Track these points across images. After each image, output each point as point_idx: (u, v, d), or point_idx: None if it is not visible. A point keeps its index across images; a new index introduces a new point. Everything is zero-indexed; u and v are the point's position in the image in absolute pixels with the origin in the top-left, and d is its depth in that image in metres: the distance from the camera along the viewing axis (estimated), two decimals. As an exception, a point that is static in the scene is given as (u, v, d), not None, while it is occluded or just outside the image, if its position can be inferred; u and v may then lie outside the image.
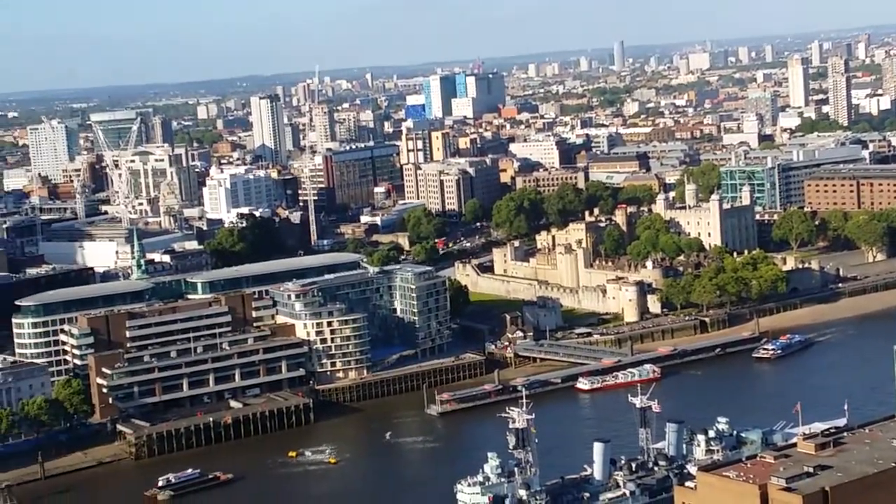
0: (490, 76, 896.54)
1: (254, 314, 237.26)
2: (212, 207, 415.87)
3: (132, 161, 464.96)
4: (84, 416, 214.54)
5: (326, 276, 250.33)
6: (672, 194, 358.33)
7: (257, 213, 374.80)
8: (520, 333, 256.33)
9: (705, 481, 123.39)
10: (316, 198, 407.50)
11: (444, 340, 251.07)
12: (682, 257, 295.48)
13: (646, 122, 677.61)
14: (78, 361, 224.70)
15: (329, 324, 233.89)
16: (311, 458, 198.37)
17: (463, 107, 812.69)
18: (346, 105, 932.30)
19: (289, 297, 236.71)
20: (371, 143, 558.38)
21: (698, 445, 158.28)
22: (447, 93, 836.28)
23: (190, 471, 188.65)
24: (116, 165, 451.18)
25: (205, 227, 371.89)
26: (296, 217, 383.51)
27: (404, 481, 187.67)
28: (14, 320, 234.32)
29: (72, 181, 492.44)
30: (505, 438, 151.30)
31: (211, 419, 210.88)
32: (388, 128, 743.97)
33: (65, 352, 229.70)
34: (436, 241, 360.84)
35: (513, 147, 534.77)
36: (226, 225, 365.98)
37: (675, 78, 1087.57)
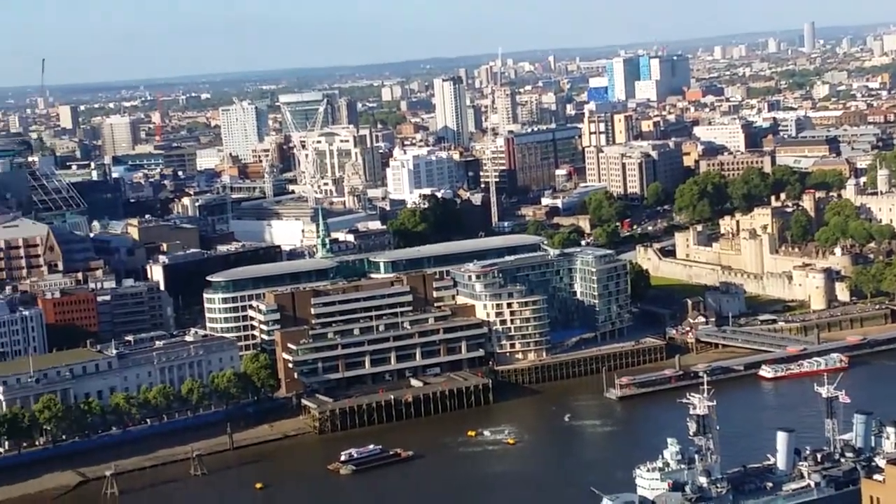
0: (674, 58, 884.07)
1: (434, 294, 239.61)
2: (395, 188, 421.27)
3: (318, 142, 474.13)
4: (270, 389, 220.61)
5: (507, 258, 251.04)
6: (863, 180, 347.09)
7: (439, 195, 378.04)
8: (701, 319, 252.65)
9: (895, 474, 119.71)
10: (497, 180, 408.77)
11: (624, 324, 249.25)
12: (872, 244, 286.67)
13: (836, 105, 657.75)
14: (265, 337, 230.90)
15: (509, 305, 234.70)
16: (490, 438, 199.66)
17: (646, 89, 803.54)
18: (528, 87, 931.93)
19: (469, 277, 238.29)
20: (553, 126, 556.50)
21: (887, 438, 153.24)
22: (631, 75, 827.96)
23: (371, 447, 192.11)
24: (303, 146, 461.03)
25: (388, 208, 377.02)
26: (477, 198, 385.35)
27: (582, 464, 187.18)
28: (205, 295, 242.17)
29: (261, 161, 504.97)
30: (685, 424, 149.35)
31: (392, 397, 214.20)
32: (570, 110, 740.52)
33: (253, 327, 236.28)
34: (619, 223, 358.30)
35: (697, 130, 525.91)
36: (408, 205, 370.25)
37: (868, 60, 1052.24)
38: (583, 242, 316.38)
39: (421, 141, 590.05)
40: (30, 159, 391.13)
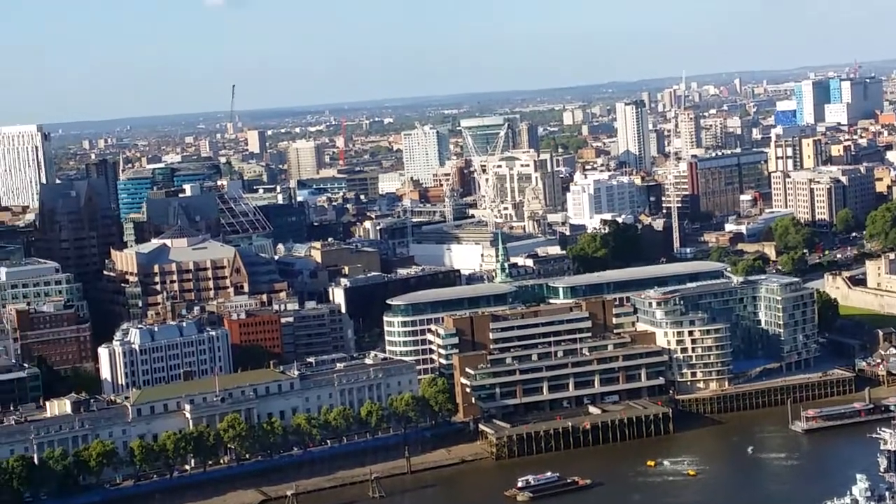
0: (867, 81, 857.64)
1: (614, 320, 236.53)
2: (575, 213, 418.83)
3: (499, 166, 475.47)
4: (448, 414, 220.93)
5: (689, 285, 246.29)
6: None
7: (620, 220, 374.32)
8: (894, 350, 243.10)
9: None
10: (679, 205, 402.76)
11: (811, 355, 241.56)
12: None
13: None
14: (443, 361, 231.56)
15: (690, 333, 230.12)
16: (670, 469, 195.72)
17: (836, 113, 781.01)
18: (712, 111, 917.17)
19: (650, 304, 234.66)
20: (738, 150, 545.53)
21: None
22: (820, 98, 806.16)
23: (549, 474, 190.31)
24: (484, 170, 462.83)
25: (568, 232, 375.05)
26: (658, 224, 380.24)
27: (766, 498, 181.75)
28: (385, 318, 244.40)
29: (441, 185, 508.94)
30: (875, 460, 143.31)
31: (570, 424, 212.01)
32: (756, 134, 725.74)
33: (431, 351, 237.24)
34: (810, 249, 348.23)
35: (890, 155, 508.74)
36: (588, 230, 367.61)
37: None
38: (768, 270, 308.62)
39: (602, 165, 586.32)
40: (219, 183, 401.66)
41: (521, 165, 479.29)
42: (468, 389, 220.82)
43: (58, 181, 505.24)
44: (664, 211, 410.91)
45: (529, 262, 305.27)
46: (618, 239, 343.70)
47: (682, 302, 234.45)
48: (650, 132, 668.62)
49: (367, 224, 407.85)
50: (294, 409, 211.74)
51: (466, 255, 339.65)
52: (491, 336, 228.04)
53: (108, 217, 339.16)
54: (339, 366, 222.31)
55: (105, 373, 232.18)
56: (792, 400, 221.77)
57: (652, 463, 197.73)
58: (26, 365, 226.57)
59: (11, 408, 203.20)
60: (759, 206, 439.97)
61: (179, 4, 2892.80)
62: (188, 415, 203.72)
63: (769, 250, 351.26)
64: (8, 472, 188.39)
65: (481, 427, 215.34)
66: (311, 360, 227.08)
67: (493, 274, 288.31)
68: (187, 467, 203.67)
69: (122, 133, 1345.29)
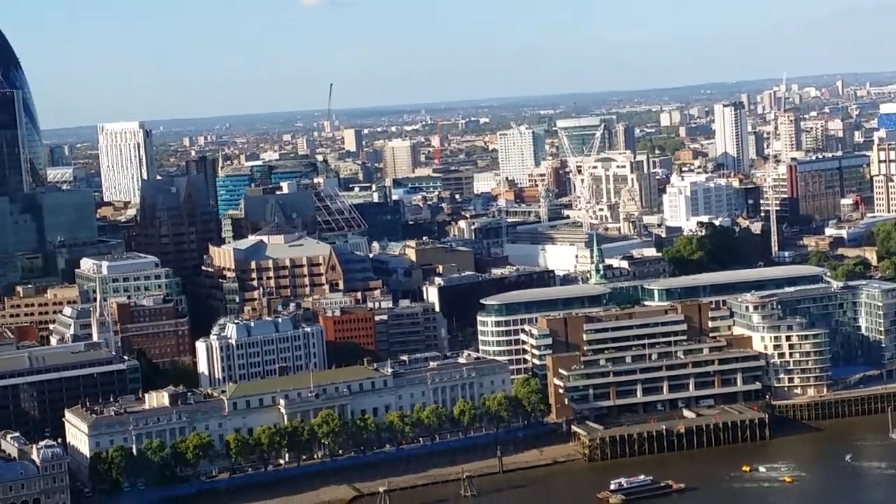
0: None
1: (710, 324, 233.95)
2: (671, 215, 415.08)
3: (594, 167, 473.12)
4: (541, 414, 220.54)
5: (787, 289, 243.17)
6: None
7: (717, 222, 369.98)
8: None
9: None
10: (778, 208, 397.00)
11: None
12: None
13: None
14: (536, 361, 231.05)
15: (788, 338, 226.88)
16: (766, 475, 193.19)
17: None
18: (813, 113, 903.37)
19: (747, 308, 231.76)
20: (839, 153, 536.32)
21: None
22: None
23: (642, 477, 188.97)
24: (579, 171, 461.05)
25: (663, 234, 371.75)
26: (756, 227, 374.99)
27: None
28: (478, 318, 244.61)
29: (536, 185, 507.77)
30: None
31: (664, 427, 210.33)
32: (858, 137, 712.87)
33: (524, 351, 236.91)
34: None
35: None
36: (685, 233, 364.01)
37: None
38: (869, 275, 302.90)
39: (699, 167, 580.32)
40: (315, 181, 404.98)
41: (617, 166, 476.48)
42: (561, 390, 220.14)
43: (159, 178, 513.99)
44: (762, 214, 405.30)
45: (624, 264, 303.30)
46: (715, 242, 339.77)
47: (779, 306, 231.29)
48: (749, 134, 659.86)
49: (462, 223, 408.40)
50: (387, 407, 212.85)
51: (561, 256, 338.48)
52: (585, 337, 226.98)
53: (206, 213, 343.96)
54: (433, 364, 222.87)
55: (202, 366, 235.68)
56: (892, 408, 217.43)
57: (747, 468, 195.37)
58: (126, 357, 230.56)
59: (111, 399, 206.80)
60: (861, 211, 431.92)
61: (278, 4, 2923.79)
62: (283, 410, 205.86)
63: (870, 255, 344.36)
64: (108, 462, 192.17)
65: (574, 428, 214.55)
66: (405, 358, 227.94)
67: (588, 275, 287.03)
68: (281, 461, 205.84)
69: (221, 131, 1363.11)
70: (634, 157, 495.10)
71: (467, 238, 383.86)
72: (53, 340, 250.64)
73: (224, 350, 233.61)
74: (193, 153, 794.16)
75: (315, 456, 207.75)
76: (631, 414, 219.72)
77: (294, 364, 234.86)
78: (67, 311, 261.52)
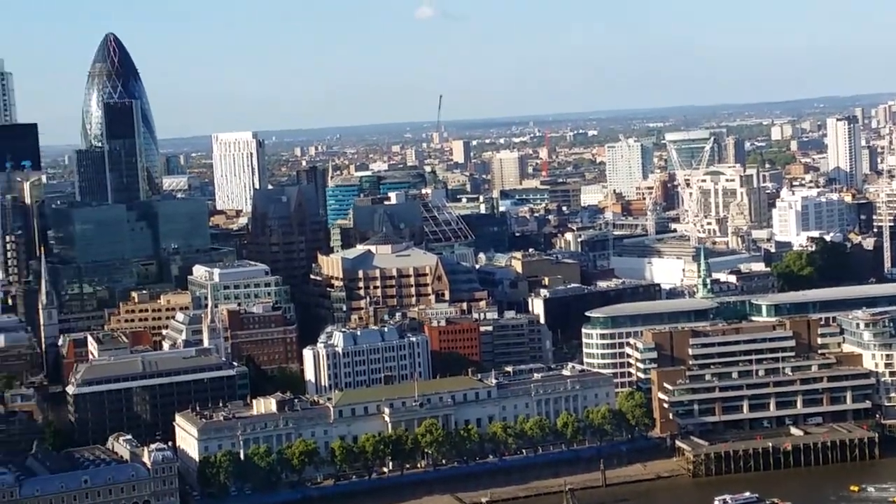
0: None
1: (819, 340, 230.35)
2: (781, 230, 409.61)
3: (703, 180, 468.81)
4: (645, 429, 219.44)
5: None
6: None
7: (828, 238, 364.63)
8: None
9: None
10: (892, 224, 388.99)
11: None
12: None
13: None
14: (641, 375, 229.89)
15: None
16: (875, 495, 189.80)
17: None
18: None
19: (857, 325, 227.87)
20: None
21: None
22: None
23: (747, 494, 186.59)
24: (688, 184, 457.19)
25: (773, 249, 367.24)
26: (869, 243, 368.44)
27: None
28: (583, 330, 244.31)
29: (644, 198, 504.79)
30: None
31: (770, 444, 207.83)
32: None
33: (629, 364, 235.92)
34: None
35: None
36: (794, 248, 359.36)
37: None
38: None
39: (811, 182, 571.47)
40: (423, 191, 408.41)
41: (727, 180, 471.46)
42: (666, 405, 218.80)
43: (270, 187, 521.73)
44: (875, 230, 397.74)
45: (732, 279, 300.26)
46: (825, 257, 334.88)
47: (891, 324, 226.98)
48: (863, 149, 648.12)
49: (569, 236, 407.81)
50: (490, 417, 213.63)
51: (668, 270, 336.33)
52: (690, 352, 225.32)
53: (316, 222, 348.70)
54: (537, 376, 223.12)
55: (309, 374, 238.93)
56: None
57: (856, 488, 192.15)
58: (235, 363, 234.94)
59: (220, 404, 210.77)
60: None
61: (391, 16, 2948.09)
62: (387, 418, 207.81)
63: None
64: (216, 466, 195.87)
65: (678, 443, 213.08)
66: (509, 369, 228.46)
67: (695, 289, 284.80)
68: (385, 470, 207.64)
69: (331, 141, 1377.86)
70: (744, 171, 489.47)
71: (573, 250, 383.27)
72: (166, 345, 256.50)
73: (331, 358, 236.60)
74: (304, 163, 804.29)
75: (418, 465, 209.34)
76: (737, 430, 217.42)
77: (399, 373, 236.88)
78: (180, 316, 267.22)
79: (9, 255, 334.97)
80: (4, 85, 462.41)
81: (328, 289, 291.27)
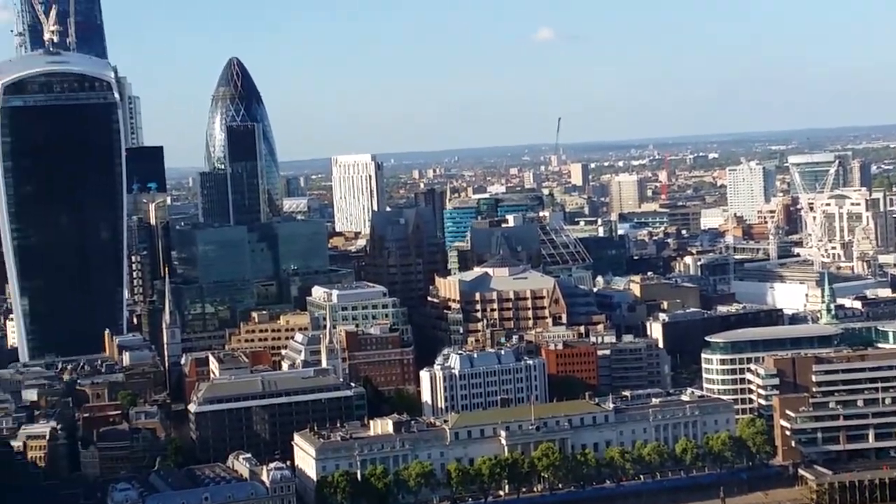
0: None
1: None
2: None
3: (827, 204, 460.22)
4: (766, 456, 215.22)
5: None
6: None
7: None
8: None
9: None
10: None
11: None
12: None
13: None
14: (762, 402, 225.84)
15: None
16: None
17: None
18: None
19: None
20: None
21: None
22: None
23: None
24: (811, 208, 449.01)
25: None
26: None
27: None
28: (703, 355, 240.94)
29: (766, 222, 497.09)
30: None
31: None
32: None
33: (750, 391, 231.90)
34: None
35: None
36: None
37: None
38: None
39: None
40: (541, 214, 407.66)
41: (852, 204, 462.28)
42: (788, 432, 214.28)
43: (388, 209, 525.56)
44: None
45: (857, 304, 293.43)
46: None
47: None
48: None
49: (688, 259, 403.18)
50: (608, 442, 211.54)
51: (790, 295, 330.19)
52: (814, 378, 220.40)
53: (433, 245, 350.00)
54: (655, 401, 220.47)
55: (425, 395, 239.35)
56: None
57: None
58: (353, 384, 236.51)
59: (338, 424, 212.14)
60: None
61: (511, 39, 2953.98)
62: (504, 441, 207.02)
63: None
64: (333, 486, 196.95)
65: (801, 472, 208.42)
66: (627, 393, 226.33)
67: (818, 315, 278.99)
68: (501, 493, 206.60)
69: (449, 164, 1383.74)
70: (870, 195, 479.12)
71: (693, 274, 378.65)
72: (285, 365, 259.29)
73: (447, 380, 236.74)
74: (422, 185, 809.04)
75: (534, 489, 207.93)
76: (862, 459, 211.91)
77: (515, 396, 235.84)
78: (299, 337, 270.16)
79: (134, 275, 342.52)
80: (132, 108, 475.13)
81: (445, 311, 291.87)
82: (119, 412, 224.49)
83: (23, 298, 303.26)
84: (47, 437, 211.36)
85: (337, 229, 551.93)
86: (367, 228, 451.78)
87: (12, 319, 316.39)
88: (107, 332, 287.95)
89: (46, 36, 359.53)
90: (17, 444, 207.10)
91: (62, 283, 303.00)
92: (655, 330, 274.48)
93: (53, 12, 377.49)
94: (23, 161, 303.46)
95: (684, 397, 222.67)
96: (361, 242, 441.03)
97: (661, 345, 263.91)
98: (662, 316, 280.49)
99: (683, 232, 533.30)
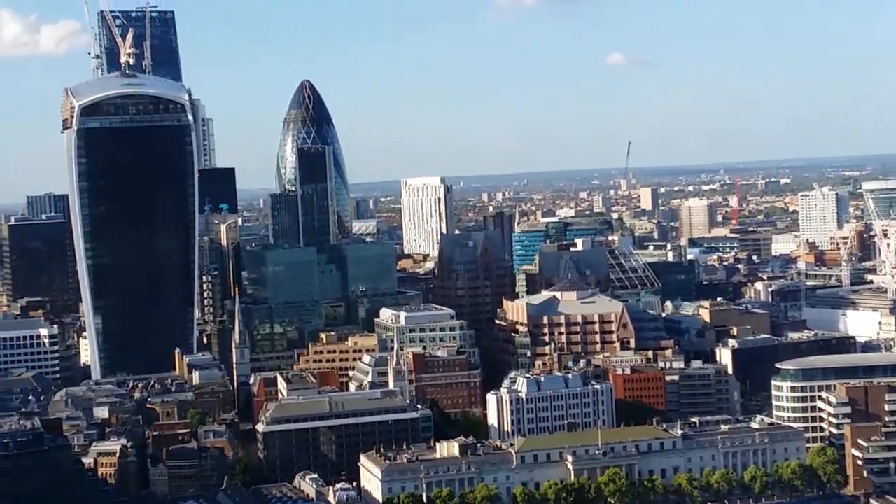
0: None
1: None
2: None
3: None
4: (837, 486, 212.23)
5: None
6: None
7: None
8: None
9: None
10: None
11: None
12: None
13: None
14: (834, 430, 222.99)
15: None
16: None
17: None
18: None
19: None
20: None
21: None
22: None
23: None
24: (885, 235, 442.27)
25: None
26: None
27: None
28: (773, 382, 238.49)
29: (838, 248, 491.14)
30: None
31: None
32: None
33: (821, 419, 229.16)
34: None
35: None
36: None
37: None
38: None
39: None
40: (610, 238, 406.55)
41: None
42: (860, 462, 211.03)
43: (457, 232, 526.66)
44: None
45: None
46: None
47: None
48: None
49: (759, 285, 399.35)
50: (675, 469, 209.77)
51: (863, 322, 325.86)
52: (887, 408, 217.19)
53: (501, 268, 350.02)
54: (724, 428, 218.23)
55: (492, 419, 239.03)
56: None
57: None
58: (419, 406, 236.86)
59: (404, 446, 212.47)
60: None
61: (582, 64, 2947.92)
62: (570, 466, 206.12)
63: None
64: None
65: (872, 502, 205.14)
66: (695, 420, 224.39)
67: (892, 343, 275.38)
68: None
69: (519, 187, 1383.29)
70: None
71: (763, 300, 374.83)
72: (352, 386, 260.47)
73: (514, 403, 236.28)
74: (491, 208, 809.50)
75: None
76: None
77: (582, 420, 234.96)
78: (366, 358, 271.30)
79: (205, 294, 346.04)
80: (205, 130, 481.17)
81: (512, 334, 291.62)
82: (188, 430, 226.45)
83: (96, 317, 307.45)
84: (118, 455, 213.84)
85: (405, 251, 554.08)
86: (435, 251, 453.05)
87: (86, 338, 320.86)
88: (177, 350, 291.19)
89: (123, 59, 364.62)
90: (88, 460, 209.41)
91: (135, 303, 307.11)
92: (725, 356, 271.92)
93: (130, 36, 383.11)
94: (98, 181, 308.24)
95: (754, 424, 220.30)
96: (430, 265, 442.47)
97: (730, 371, 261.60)
98: (732, 342, 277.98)
99: (754, 257, 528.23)
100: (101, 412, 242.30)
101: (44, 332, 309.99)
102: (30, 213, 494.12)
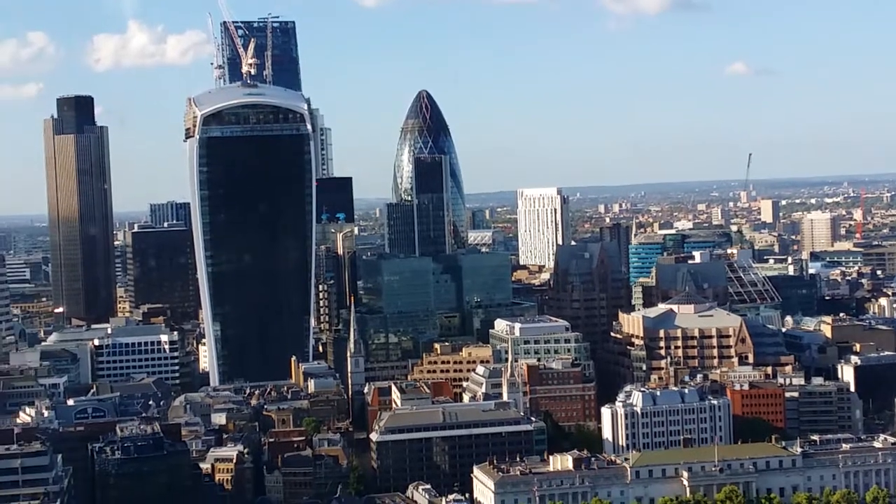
0: None
1: None
2: None
3: None
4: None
5: None
6: None
7: None
8: None
9: None
10: None
11: None
12: None
13: None
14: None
15: None
16: None
17: None
18: None
19: None
20: None
21: None
22: None
23: None
24: None
25: None
26: None
27: None
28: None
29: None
30: None
31: None
32: None
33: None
34: None
35: None
36: None
37: None
38: None
39: None
40: (729, 251, 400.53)
41: None
42: None
43: (573, 243, 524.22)
44: None
45: None
46: None
47: None
48: None
49: (883, 301, 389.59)
50: (794, 487, 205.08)
51: None
52: None
53: (618, 280, 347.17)
54: (845, 446, 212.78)
55: (606, 432, 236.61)
56: None
57: None
58: (533, 418, 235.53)
59: (518, 459, 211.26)
60: None
61: (701, 73, 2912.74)
62: (685, 482, 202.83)
63: None
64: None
65: None
66: (815, 438, 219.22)
67: None
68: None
69: (636, 198, 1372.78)
70: None
71: (888, 316, 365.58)
72: (466, 397, 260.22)
73: (629, 417, 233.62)
74: (608, 220, 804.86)
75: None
76: None
77: (699, 436, 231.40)
78: (480, 369, 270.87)
79: (321, 303, 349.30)
80: (323, 140, 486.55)
81: (628, 347, 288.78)
82: (303, 438, 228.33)
83: (215, 324, 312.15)
84: (234, 461, 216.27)
85: (521, 262, 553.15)
86: (551, 262, 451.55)
87: (205, 344, 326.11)
88: (293, 358, 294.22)
89: (244, 69, 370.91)
90: (205, 466, 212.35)
91: (253, 310, 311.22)
92: (847, 373, 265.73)
93: (252, 46, 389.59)
94: (218, 190, 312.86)
95: (877, 444, 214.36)
96: (545, 276, 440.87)
97: (852, 388, 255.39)
98: (855, 359, 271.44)
99: (879, 272, 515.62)
100: (219, 418, 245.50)
101: (164, 338, 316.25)
102: (152, 220, 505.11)
